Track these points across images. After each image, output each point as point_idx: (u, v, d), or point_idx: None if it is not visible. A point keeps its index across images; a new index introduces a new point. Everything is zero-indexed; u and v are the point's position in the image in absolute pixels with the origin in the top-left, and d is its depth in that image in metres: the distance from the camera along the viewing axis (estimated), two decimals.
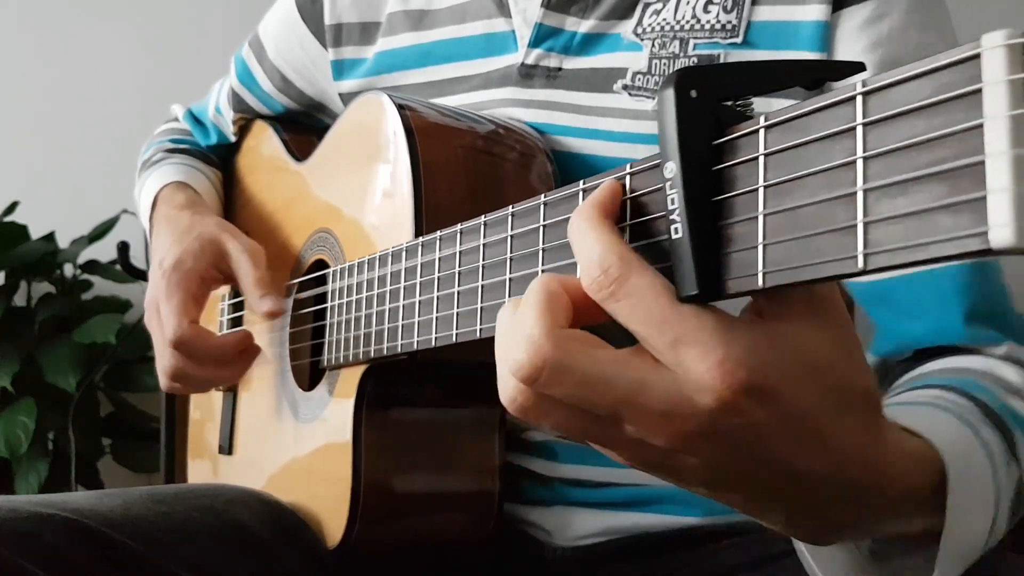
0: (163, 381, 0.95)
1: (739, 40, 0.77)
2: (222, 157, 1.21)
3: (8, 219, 2.15)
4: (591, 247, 0.42)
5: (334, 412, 0.83)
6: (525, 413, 0.43)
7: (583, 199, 0.50)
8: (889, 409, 0.52)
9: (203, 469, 1.15)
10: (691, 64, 0.78)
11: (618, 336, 0.41)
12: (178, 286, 0.91)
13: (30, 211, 2.22)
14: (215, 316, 1.12)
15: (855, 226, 0.33)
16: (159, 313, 0.92)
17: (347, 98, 1.01)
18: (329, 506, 0.81)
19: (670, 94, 0.40)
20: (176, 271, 0.91)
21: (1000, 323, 0.74)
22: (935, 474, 0.49)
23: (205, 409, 1.16)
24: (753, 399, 0.39)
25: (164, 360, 0.93)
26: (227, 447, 1.07)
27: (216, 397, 1.12)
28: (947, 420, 0.57)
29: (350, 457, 0.78)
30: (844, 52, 0.76)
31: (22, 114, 2.47)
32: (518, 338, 0.42)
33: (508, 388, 0.43)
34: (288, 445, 0.92)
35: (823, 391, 0.40)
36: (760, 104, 0.76)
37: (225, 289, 1.09)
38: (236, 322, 1.08)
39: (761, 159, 0.38)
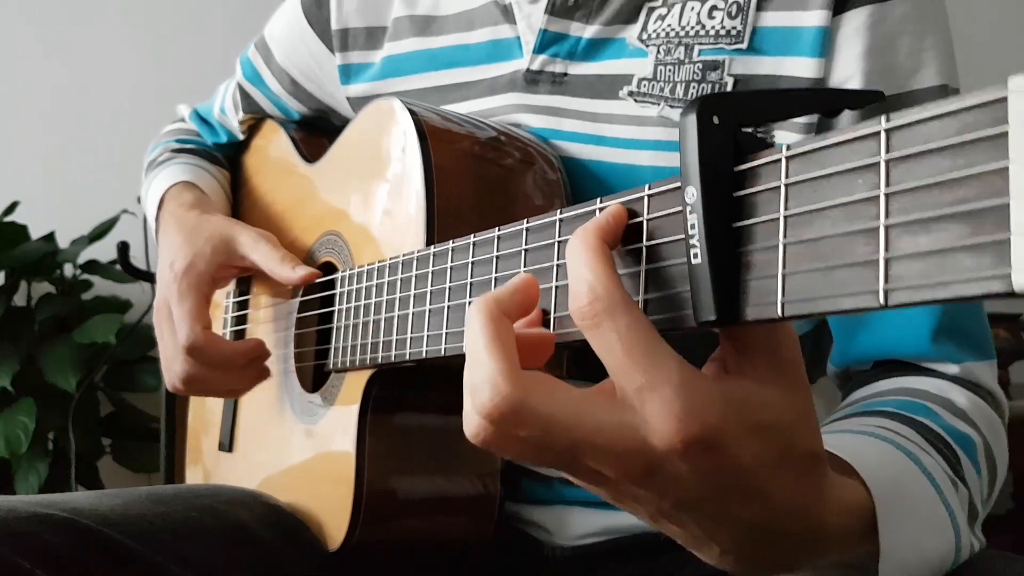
0: (172, 383, 0.94)
1: (744, 46, 0.77)
2: (230, 157, 1.21)
3: (8, 219, 2.16)
4: (584, 274, 0.44)
5: (338, 415, 0.84)
6: (488, 447, 0.46)
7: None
8: (830, 436, 0.59)
9: (203, 466, 1.15)
10: (696, 69, 0.79)
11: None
12: (190, 289, 0.91)
13: (30, 211, 2.24)
14: (219, 315, 1.12)
15: (877, 261, 0.33)
16: (171, 316, 0.92)
17: (355, 102, 1.01)
18: (331, 508, 0.82)
19: (692, 120, 0.40)
20: (188, 274, 0.91)
21: (964, 339, 0.76)
22: (868, 510, 0.52)
23: (207, 406, 1.16)
24: (701, 450, 0.42)
25: (176, 364, 0.92)
26: (227, 445, 1.08)
27: None
28: (885, 452, 0.60)
29: (353, 460, 0.79)
30: (841, 58, 0.76)
31: (23, 114, 2.47)
32: (480, 379, 0.44)
33: (472, 424, 0.45)
34: (289, 445, 0.92)
35: (771, 451, 0.44)
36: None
37: (229, 287, 1.09)
38: (240, 320, 1.08)
39: (783, 188, 0.38)
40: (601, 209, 0.50)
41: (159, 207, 1.07)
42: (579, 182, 0.82)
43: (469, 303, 0.62)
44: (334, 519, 0.81)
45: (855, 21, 0.75)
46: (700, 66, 0.78)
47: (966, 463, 0.66)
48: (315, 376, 0.94)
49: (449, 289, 0.65)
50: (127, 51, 2.51)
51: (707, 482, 0.43)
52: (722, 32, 0.78)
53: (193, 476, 1.19)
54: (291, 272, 0.88)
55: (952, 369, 0.76)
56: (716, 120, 0.40)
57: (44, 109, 2.48)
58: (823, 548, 0.49)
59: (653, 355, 0.42)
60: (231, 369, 0.92)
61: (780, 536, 0.47)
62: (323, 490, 0.85)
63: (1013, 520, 2.51)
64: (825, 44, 0.75)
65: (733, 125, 0.40)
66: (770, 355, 0.44)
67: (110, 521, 0.72)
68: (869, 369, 0.79)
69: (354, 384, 0.81)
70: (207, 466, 1.14)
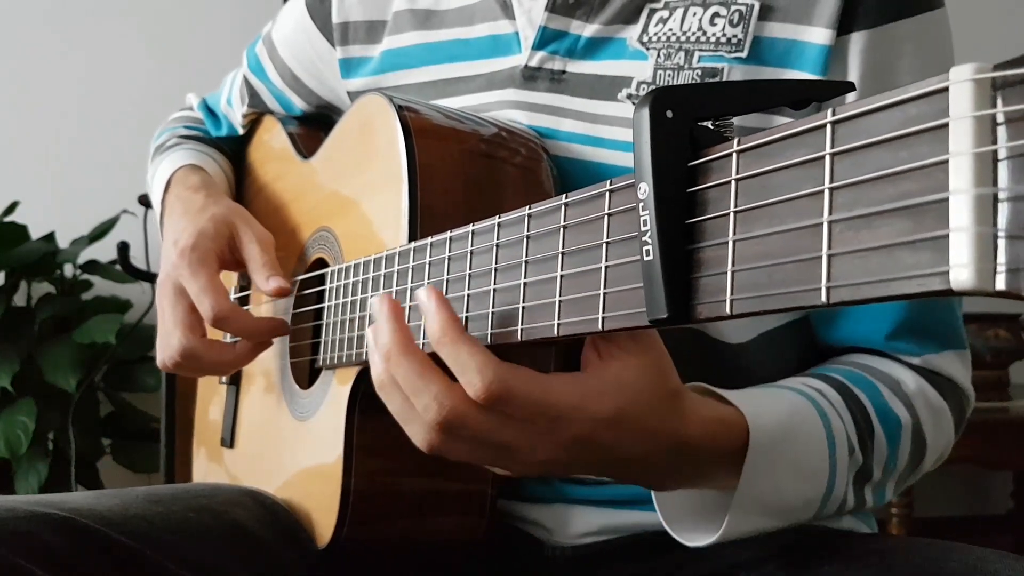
0: (169, 358, 0.92)
1: (744, 55, 0.77)
2: (233, 149, 1.21)
3: (8, 219, 2.17)
4: (466, 367, 0.55)
5: (328, 412, 0.84)
6: (439, 452, 0.59)
7: (566, 214, 0.50)
8: (759, 387, 0.72)
9: (206, 460, 1.16)
10: (695, 75, 0.78)
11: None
12: (201, 264, 0.89)
13: (30, 211, 2.24)
14: None
15: (820, 258, 0.33)
16: (183, 293, 0.90)
17: (355, 96, 1.01)
18: (321, 505, 0.82)
19: (644, 114, 0.39)
20: (195, 251, 0.90)
21: (924, 335, 0.80)
22: (739, 428, 0.64)
23: (211, 401, 1.16)
24: (604, 430, 0.57)
25: (173, 339, 0.91)
26: (229, 440, 1.08)
27: (221, 390, 1.12)
28: (789, 399, 0.70)
29: (341, 458, 0.78)
30: (842, 78, 0.76)
31: (23, 114, 2.49)
32: (427, 399, 0.57)
33: (424, 434, 0.59)
34: (285, 442, 0.93)
35: (648, 405, 0.58)
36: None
37: (232, 281, 1.09)
38: (245, 300, 1.08)
39: (733, 184, 0.37)
40: (567, 204, 0.50)
41: (165, 190, 1.06)
42: (577, 182, 0.80)
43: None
44: (324, 516, 0.81)
45: (859, 43, 0.75)
46: (699, 73, 0.78)
47: (879, 437, 0.74)
48: (310, 372, 0.94)
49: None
50: (128, 51, 2.52)
51: (609, 444, 0.58)
52: (723, 40, 0.77)
53: (198, 471, 1.19)
54: (265, 282, 0.88)
55: (914, 360, 0.79)
56: (670, 114, 0.39)
57: (45, 109, 2.49)
58: (693, 454, 0.62)
59: (548, 401, 0.55)
60: (251, 342, 0.91)
61: (660, 454, 0.60)
62: (314, 486, 0.85)
63: (1013, 520, 2.50)
64: (827, 63, 0.75)
65: (688, 119, 0.40)
66: (630, 333, 0.56)
67: (109, 521, 0.72)
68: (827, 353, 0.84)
69: (344, 381, 0.81)
70: (210, 461, 1.14)
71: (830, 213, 0.33)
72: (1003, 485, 2.60)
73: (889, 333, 0.79)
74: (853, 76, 0.75)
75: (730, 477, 0.65)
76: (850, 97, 0.71)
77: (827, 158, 0.33)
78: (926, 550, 0.68)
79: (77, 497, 0.77)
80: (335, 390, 0.83)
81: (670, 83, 0.79)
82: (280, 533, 0.84)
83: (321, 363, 0.85)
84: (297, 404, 0.91)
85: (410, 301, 0.67)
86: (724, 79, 0.77)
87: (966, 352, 0.82)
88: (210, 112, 1.22)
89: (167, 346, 0.92)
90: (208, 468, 1.15)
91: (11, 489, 1.97)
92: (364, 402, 0.79)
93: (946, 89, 0.30)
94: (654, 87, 0.54)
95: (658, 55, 0.80)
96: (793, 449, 0.66)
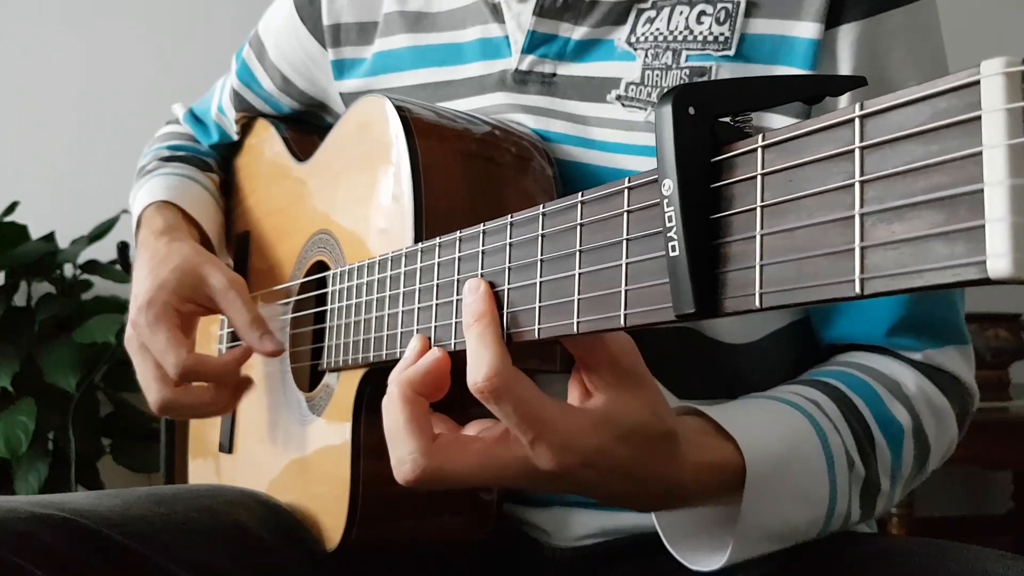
0: (156, 413, 0.95)
1: (731, 53, 0.77)
2: (224, 157, 1.20)
3: (8, 219, 2.16)
4: (480, 357, 0.55)
5: (333, 415, 0.83)
6: (410, 486, 0.59)
7: (582, 212, 0.50)
8: (755, 399, 0.72)
9: (204, 467, 1.16)
10: (683, 75, 0.78)
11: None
12: (158, 321, 0.90)
13: (30, 211, 2.24)
14: (211, 340, 1.12)
15: (852, 250, 0.33)
16: (148, 351, 0.91)
17: (348, 98, 1.01)
18: (328, 508, 0.81)
19: (668, 111, 0.39)
20: (151, 307, 0.90)
21: (924, 330, 0.79)
22: (735, 471, 0.63)
23: None
24: (583, 467, 0.56)
25: (151, 393, 0.93)
26: (227, 445, 1.07)
27: None
28: (786, 419, 0.69)
29: (348, 461, 0.78)
30: (833, 72, 0.76)
31: (23, 114, 2.48)
32: (403, 455, 0.58)
33: (398, 475, 0.59)
34: (287, 445, 0.92)
35: (634, 447, 0.57)
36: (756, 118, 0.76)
37: None
38: (236, 339, 1.07)
39: (759, 178, 0.37)
40: (584, 202, 0.50)
41: (137, 227, 1.06)
42: (567, 184, 0.81)
43: (458, 300, 0.62)
44: (331, 519, 0.81)
45: (848, 36, 0.75)
46: (687, 72, 0.78)
47: (881, 446, 0.73)
48: (311, 376, 0.94)
49: (437, 286, 0.64)
50: (128, 51, 2.52)
51: (591, 481, 0.58)
52: (710, 38, 0.77)
53: (195, 477, 1.19)
54: (257, 341, 0.88)
55: (915, 356, 0.79)
56: (692, 111, 0.40)
57: (44, 109, 2.49)
58: (683, 497, 0.62)
59: (540, 414, 0.54)
60: (225, 381, 0.92)
61: (651, 496, 0.61)
62: (320, 490, 0.85)
63: (1013, 520, 2.51)
64: (817, 57, 0.75)
65: (709, 115, 0.40)
66: (611, 367, 0.55)
67: (110, 521, 0.72)
68: (826, 351, 0.83)
69: (348, 383, 0.81)
70: (208, 467, 1.14)
71: (862, 206, 0.33)
72: (1003, 485, 2.61)
73: (889, 329, 0.79)
74: (844, 69, 0.75)
75: (728, 500, 0.64)
76: (844, 99, 0.72)
77: (857, 151, 0.33)
78: (926, 550, 0.68)
79: (78, 497, 0.76)
80: (340, 392, 0.83)
81: (658, 83, 0.79)
82: (282, 534, 0.84)
83: (324, 366, 0.84)
84: (299, 407, 0.91)
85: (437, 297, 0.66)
86: (712, 78, 0.77)
87: (968, 347, 0.82)
88: (198, 121, 1.21)
89: (150, 400, 0.94)
90: (206, 474, 1.14)
91: (11, 489, 1.97)
92: (370, 404, 0.79)
93: (977, 83, 0.30)
94: (679, 85, 0.53)
95: (646, 55, 0.80)
96: (792, 477, 0.66)
